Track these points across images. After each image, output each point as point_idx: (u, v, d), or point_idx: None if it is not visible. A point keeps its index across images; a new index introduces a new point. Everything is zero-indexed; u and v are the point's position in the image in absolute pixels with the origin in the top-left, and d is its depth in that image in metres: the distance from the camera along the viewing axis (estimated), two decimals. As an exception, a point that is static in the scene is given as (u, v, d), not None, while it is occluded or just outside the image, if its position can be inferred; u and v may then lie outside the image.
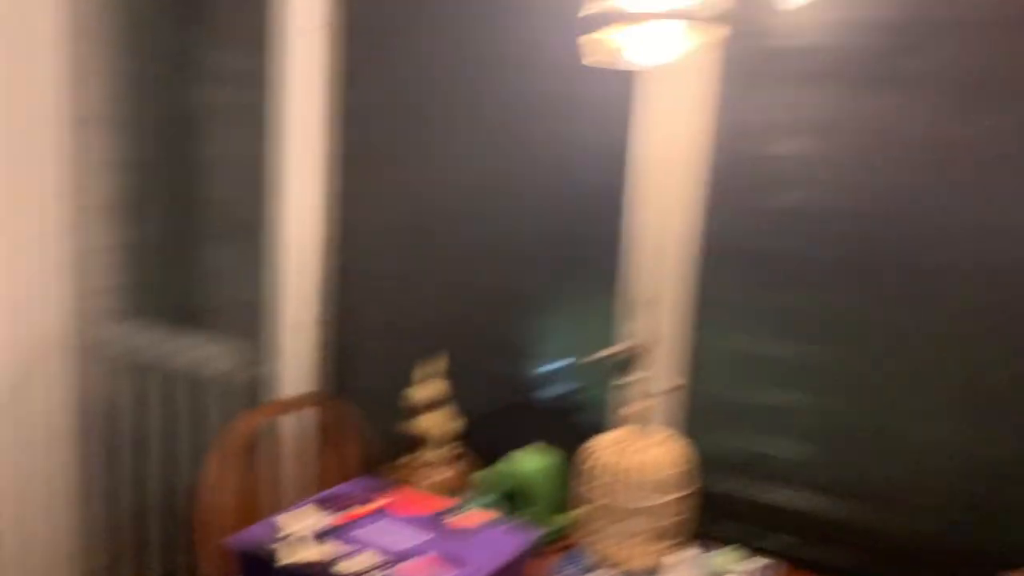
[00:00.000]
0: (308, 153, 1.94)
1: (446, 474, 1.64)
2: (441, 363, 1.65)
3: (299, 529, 1.23)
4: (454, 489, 1.63)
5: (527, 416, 1.91)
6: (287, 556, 1.15)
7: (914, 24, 1.46)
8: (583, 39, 1.23)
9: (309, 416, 1.95)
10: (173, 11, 2.54)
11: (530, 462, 1.55)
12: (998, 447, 1.48)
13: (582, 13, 1.21)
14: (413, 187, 1.98)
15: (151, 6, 2.51)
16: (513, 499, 1.58)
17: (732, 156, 1.61)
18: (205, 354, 2.11)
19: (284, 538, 1.21)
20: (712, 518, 1.69)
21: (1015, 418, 1.46)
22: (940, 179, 1.47)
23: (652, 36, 1.19)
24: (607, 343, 1.70)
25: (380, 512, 1.34)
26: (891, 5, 1.47)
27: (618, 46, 1.22)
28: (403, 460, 1.68)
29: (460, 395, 1.77)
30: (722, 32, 1.22)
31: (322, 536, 1.23)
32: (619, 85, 1.65)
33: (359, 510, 1.34)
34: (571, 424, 1.85)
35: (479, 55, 1.85)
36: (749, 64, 1.57)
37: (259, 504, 1.65)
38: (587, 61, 1.28)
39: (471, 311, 1.94)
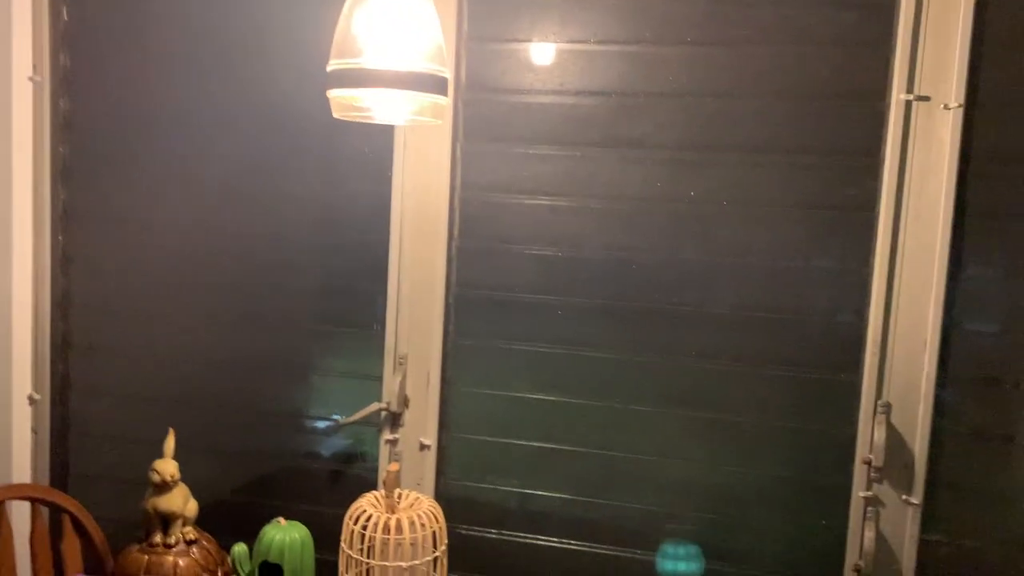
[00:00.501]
0: (20, 209, 1.75)
1: (184, 560, 1.50)
2: (172, 439, 1.52)
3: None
4: (194, 574, 1.50)
5: (277, 487, 1.81)
6: None
7: (634, 94, 1.59)
8: (330, 95, 1.22)
9: (21, 508, 1.71)
10: None
11: (285, 534, 1.47)
12: (740, 479, 1.60)
13: (328, 69, 1.20)
14: (143, 250, 1.84)
15: None
16: (267, 574, 1.48)
17: (477, 210, 1.66)
18: None
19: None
20: (466, 570, 1.68)
21: (752, 450, 1.60)
22: (660, 233, 1.60)
23: (389, 97, 1.19)
24: (367, 402, 1.67)
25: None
26: (612, 76, 1.59)
27: (362, 104, 1.22)
28: (134, 548, 1.52)
29: (203, 470, 1.64)
30: (449, 98, 1.26)
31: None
32: (377, 141, 1.65)
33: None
34: (330, 491, 1.78)
35: (212, 104, 1.77)
36: (489, 123, 1.63)
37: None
38: (336, 115, 1.26)
39: (214, 379, 1.82)
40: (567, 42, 1.61)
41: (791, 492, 1.58)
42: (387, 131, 1.64)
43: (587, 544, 1.67)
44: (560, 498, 1.68)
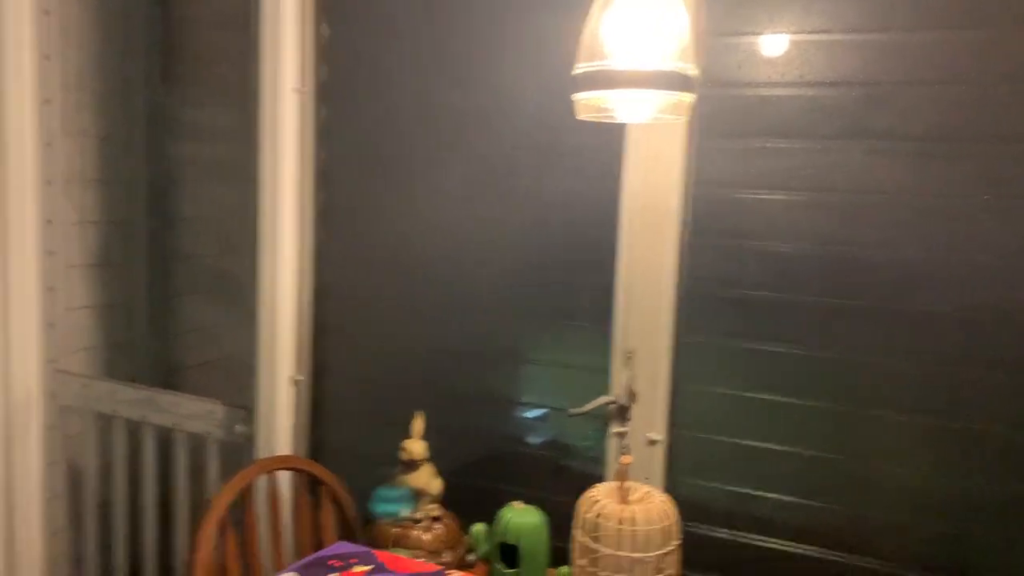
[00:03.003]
0: (287, 209, 1.95)
1: (429, 535, 1.61)
2: (421, 420, 1.64)
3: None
4: (436, 550, 1.60)
5: (509, 471, 1.89)
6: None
7: (880, 83, 1.51)
8: (575, 98, 1.26)
9: (287, 478, 1.92)
10: (152, 71, 2.56)
11: (522, 518, 1.54)
12: (974, 489, 1.49)
13: (574, 72, 1.24)
14: (391, 242, 1.99)
15: (133, 67, 2.53)
16: (504, 556, 1.56)
17: (710, 206, 1.64)
18: (187, 413, 2.07)
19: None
20: (694, 568, 1.68)
21: (990, 458, 1.48)
22: (913, 226, 1.51)
23: (635, 97, 1.22)
24: (592, 395, 1.71)
25: (365, 576, 1.31)
26: (857, 65, 1.52)
27: (605, 105, 1.25)
28: (383, 522, 1.65)
29: (440, 452, 1.75)
30: (695, 95, 1.26)
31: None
32: (605, 138, 1.68)
33: (345, 575, 1.31)
34: (556, 478, 1.84)
35: (459, 112, 1.88)
36: (727, 117, 1.62)
37: (241, 568, 1.60)
38: (581, 117, 1.31)
39: (454, 365, 1.94)
40: (808, 33, 1.56)
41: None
42: (619, 127, 1.67)
43: (817, 549, 1.62)
44: (789, 501, 1.64)
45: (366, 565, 1.35)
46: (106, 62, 2.45)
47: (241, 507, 1.67)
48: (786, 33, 1.57)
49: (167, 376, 2.67)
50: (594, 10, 1.24)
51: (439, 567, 1.40)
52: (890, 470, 1.56)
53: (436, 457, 1.69)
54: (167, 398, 2.11)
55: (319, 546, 1.72)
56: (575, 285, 1.80)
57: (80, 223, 2.43)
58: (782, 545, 1.65)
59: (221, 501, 1.57)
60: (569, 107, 1.29)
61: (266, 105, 1.91)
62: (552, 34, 1.75)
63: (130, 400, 2.16)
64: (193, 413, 2.07)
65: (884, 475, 1.57)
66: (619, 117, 1.30)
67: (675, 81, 1.20)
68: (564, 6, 1.73)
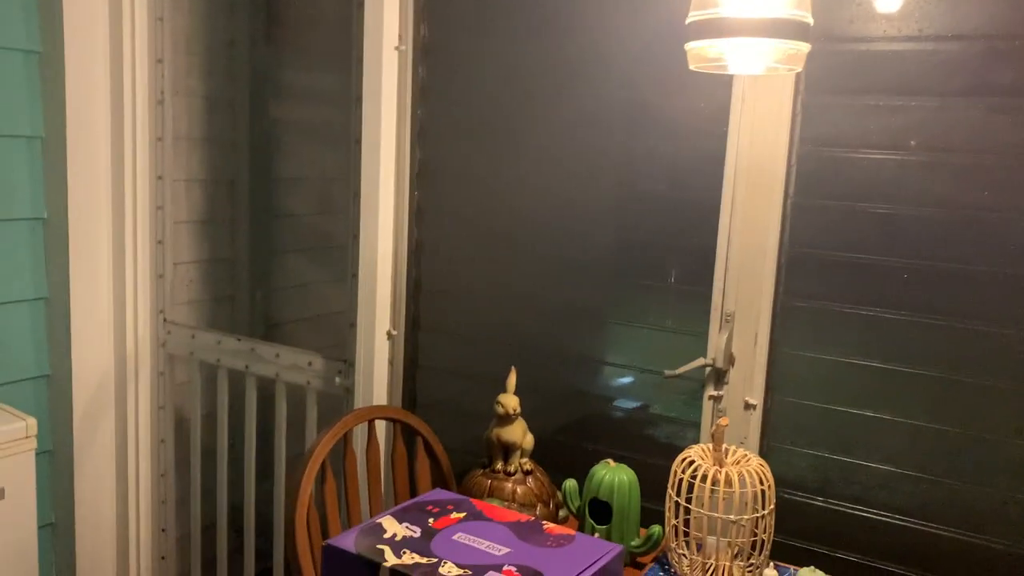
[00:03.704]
0: (387, 168, 1.98)
1: (521, 487, 1.63)
2: (515, 375, 1.65)
3: (392, 535, 1.23)
4: (528, 503, 1.63)
5: (600, 431, 1.90)
6: (389, 560, 1.16)
7: (1008, 36, 1.43)
8: (687, 47, 1.24)
9: (383, 428, 1.97)
10: (256, 33, 2.63)
11: (614, 475, 1.54)
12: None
13: (687, 21, 1.22)
14: (485, 201, 2.00)
15: (235, 30, 2.60)
16: (597, 513, 1.57)
17: (819, 166, 1.60)
18: (287, 364, 2.15)
19: (380, 544, 1.21)
20: (789, 534, 1.65)
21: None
22: (1035, 190, 1.44)
23: (748, 46, 1.19)
24: (688, 359, 1.69)
25: (464, 522, 1.34)
26: (982, 18, 1.45)
27: (718, 55, 1.23)
28: (478, 472, 1.68)
29: (532, 410, 1.77)
30: (810, 45, 1.22)
31: (412, 544, 1.24)
32: (709, 94, 1.65)
33: (443, 520, 1.34)
34: (647, 438, 1.84)
35: (555, 69, 1.87)
36: (837, 73, 1.56)
37: (341, 512, 1.66)
38: (693, 67, 1.28)
39: (545, 324, 1.95)
40: (929, -17, 1.49)
41: None
42: (725, 84, 1.63)
43: (915, 520, 1.57)
44: (887, 471, 1.59)
45: (462, 511, 1.38)
46: (213, 25, 2.53)
47: (340, 454, 1.72)
48: (905, -15, 1.50)
49: (268, 330, 2.77)
50: (707, -43, 1.21)
51: (534, 517, 1.42)
52: (1001, 442, 1.50)
53: (528, 415, 1.71)
54: (269, 349, 2.18)
55: (414, 494, 1.77)
56: (673, 246, 1.78)
57: (187, 180, 2.53)
58: (880, 515, 1.61)
59: (322, 446, 1.63)
60: (671, 61, 1.27)
61: (369, 63, 1.94)
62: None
63: (234, 350, 2.25)
64: (294, 364, 2.14)
65: (994, 448, 1.51)
66: (732, 68, 1.27)
67: (791, 29, 1.17)
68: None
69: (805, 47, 1.21)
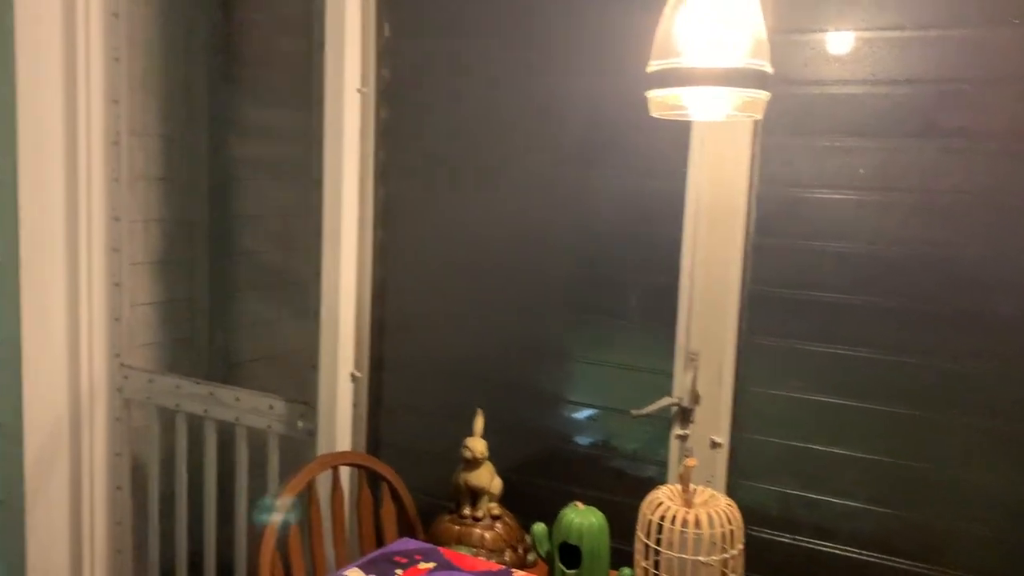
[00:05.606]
0: (349, 207, 1.97)
1: (489, 533, 1.62)
2: (482, 418, 1.64)
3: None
4: (497, 548, 1.61)
5: (566, 471, 1.89)
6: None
7: (957, 80, 1.48)
8: (649, 95, 1.26)
9: (347, 473, 1.94)
10: (215, 72, 2.61)
11: (584, 518, 1.53)
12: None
13: (649, 69, 1.24)
14: (448, 240, 2.00)
15: (193, 68, 2.57)
16: (567, 557, 1.55)
17: (777, 206, 1.62)
18: (248, 408, 2.11)
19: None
20: (758, 572, 1.65)
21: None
22: (989, 227, 1.48)
23: (709, 94, 1.21)
24: (653, 397, 1.69)
25: (433, 573, 1.32)
26: (931, 63, 1.49)
27: (679, 102, 1.24)
28: (445, 518, 1.65)
29: (497, 450, 1.75)
30: (769, 94, 1.24)
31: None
32: (669, 136, 1.67)
33: (411, 571, 1.31)
34: (614, 477, 1.83)
35: (517, 111, 1.88)
36: (793, 115, 1.59)
37: (306, 563, 1.62)
38: (654, 115, 1.30)
39: (510, 362, 1.94)
40: (879, 29, 1.53)
41: None
42: (684, 124, 1.65)
43: (882, 556, 1.59)
44: (856, 507, 1.61)
45: (431, 562, 1.36)
46: (170, 64, 2.50)
47: (303, 501, 1.69)
48: (856, 30, 1.54)
49: (227, 370, 2.71)
50: (668, 7, 1.23)
51: (503, 566, 1.40)
52: (963, 476, 1.52)
53: (494, 453, 1.69)
54: (229, 393, 2.14)
55: (380, 542, 1.74)
56: (637, 285, 1.79)
57: (144, 221, 2.48)
58: (847, 552, 1.62)
59: (285, 498, 1.59)
60: (629, 104, 1.29)
61: (330, 105, 1.93)
62: (610, 31, 1.74)
63: (193, 395, 2.20)
64: (254, 408, 2.10)
65: (957, 482, 1.53)
66: (693, 115, 1.29)
67: (751, 78, 1.19)
68: (623, 3, 1.72)
69: (764, 95, 1.23)
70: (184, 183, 2.59)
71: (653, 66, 1.22)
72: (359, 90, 1.96)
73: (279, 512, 1.58)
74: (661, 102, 1.26)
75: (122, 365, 2.30)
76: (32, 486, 2.18)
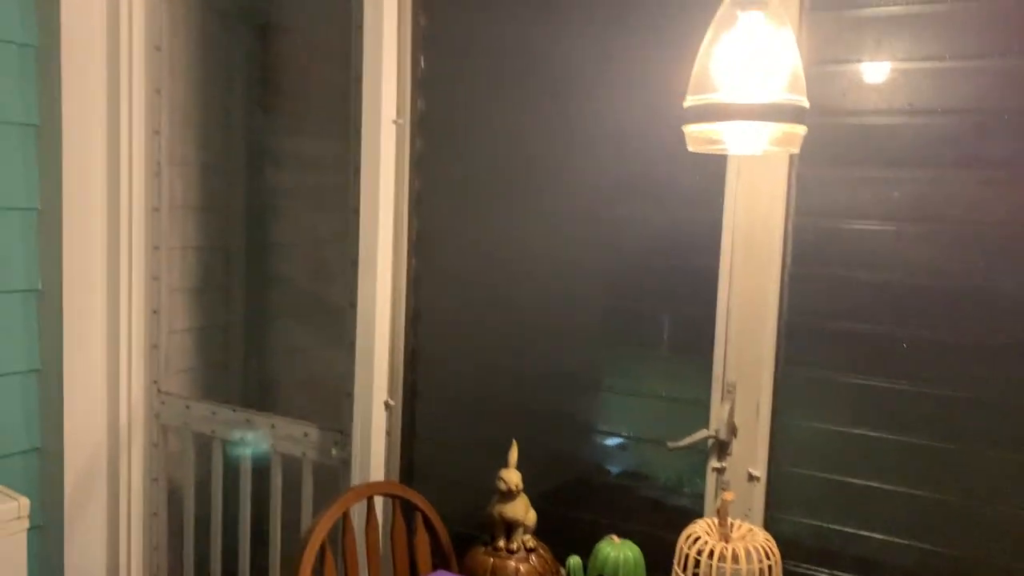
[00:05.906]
0: (384, 236, 1.98)
1: (524, 566, 1.61)
2: (516, 449, 1.64)
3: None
4: (532, 580, 1.60)
5: (600, 502, 1.87)
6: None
7: (999, 111, 1.46)
8: (686, 130, 1.26)
9: (381, 502, 1.94)
10: (253, 103, 2.66)
11: (619, 552, 1.52)
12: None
13: (685, 105, 1.24)
14: (483, 269, 2.00)
15: (232, 100, 2.62)
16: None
17: (814, 237, 1.61)
18: (283, 435, 2.12)
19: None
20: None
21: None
22: (1031, 262, 1.45)
23: (747, 129, 1.21)
24: (690, 428, 1.68)
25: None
26: (971, 92, 1.48)
27: (716, 137, 1.25)
28: (480, 550, 1.65)
29: (531, 480, 1.75)
30: (805, 128, 1.24)
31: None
32: (705, 168, 1.66)
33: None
34: (650, 510, 1.81)
35: (552, 142, 1.89)
36: (830, 145, 1.58)
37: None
38: (692, 149, 1.30)
39: (545, 393, 1.93)
40: (918, 60, 1.52)
41: None
42: (720, 157, 1.65)
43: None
44: (895, 542, 1.58)
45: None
46: (210, 95, 2.56)
47: (338, 531, 1.69)
48: (894, 60, 1.53)
49: (262, 396, 2.74)
50: (705, 42, 1.23)
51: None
52: (1006, 512, 1.49)
53: (528, 485, 1.69)
54: (264, 419, 2.16)
55: (414, 571, 1.73)
56: (673, 316, 1.78)
57: (182, 248, 2.53)
58: (888, 588, 1.58)
59: (321, 526, 1.60)
60: (667, 137, 1.29)
61: (367, 136, 1.96)
62: (646, 65, 1.75)
63: (229, 421, 2.22)
64: (289, 435, 2.12)
65: (998, 518, 1.49)
66: (730, 149, 1.29)
67: (788, 113, 1.19)
68: (657, 36, 1.73)
69: (802, 129, 1.23)
70: (222, 211, 2.63)
71: (690, 101, 1.23)
72: (395, 121, 1.98)
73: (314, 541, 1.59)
74: (698, 136, 1.27)
75: (160, 392, 2.33)
76: (71, 511, 2.21)
